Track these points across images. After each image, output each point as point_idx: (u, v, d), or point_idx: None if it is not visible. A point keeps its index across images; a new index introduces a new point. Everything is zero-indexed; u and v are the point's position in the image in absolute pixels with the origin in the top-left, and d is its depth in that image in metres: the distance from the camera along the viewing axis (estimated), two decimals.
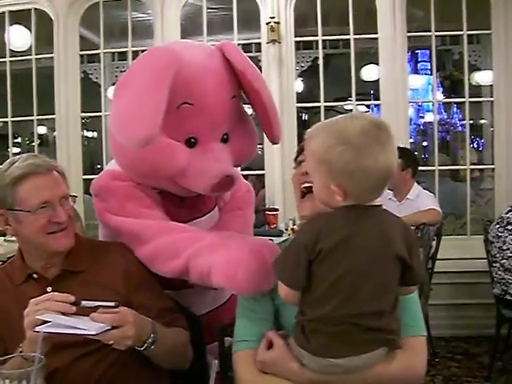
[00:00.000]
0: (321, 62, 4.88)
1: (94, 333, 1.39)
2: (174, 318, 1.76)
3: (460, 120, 8.88)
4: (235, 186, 1.91)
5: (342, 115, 1.38)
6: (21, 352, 1.44)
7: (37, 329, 1.39)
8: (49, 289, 1.67)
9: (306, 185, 1.45)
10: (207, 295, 1.98)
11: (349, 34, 4.80)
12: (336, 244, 1.29)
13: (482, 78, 5.95)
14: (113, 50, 5.77)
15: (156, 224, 1.79)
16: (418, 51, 8.86)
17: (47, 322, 1.40)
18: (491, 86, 4.93)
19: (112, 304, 1.48)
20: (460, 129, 8.84)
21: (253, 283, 1.51)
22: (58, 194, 1.67)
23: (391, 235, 1.32)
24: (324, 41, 4.95)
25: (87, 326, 1.39)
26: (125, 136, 1.65)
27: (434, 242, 4.03)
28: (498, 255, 3.67)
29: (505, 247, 3.60)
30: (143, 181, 1.84)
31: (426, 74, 8.89)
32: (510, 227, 3.59)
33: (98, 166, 6.93)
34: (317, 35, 4.81)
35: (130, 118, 1.63)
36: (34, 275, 1.71)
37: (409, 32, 4.74)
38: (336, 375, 1.35)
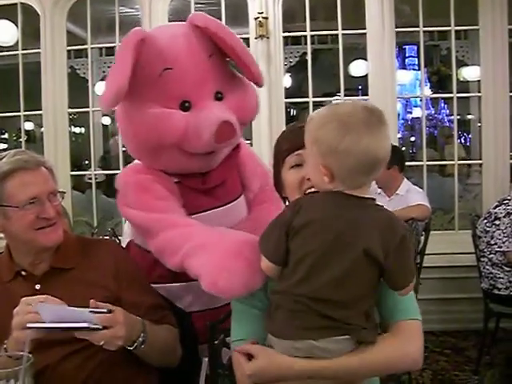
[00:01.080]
0: (309, 57, 4.87)
1: (87, 325, 1.38)
2: (163, 316, 1.75)
3: (447, 115, 8.93)
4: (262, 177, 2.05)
5: None
6: (5, 350, 1.44)
7: (29, 325, 1.38)
8: (37, 286, 1.67)
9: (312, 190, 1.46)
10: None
11: (337, 30, 4.80)
12: (306, 223, 1.32)
13: (470, 73, 5.98)
14: (100, 46, 5.75)
15: (162, 218, 1.81)
16: (406, 46, 8.90)
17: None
18: (479, 81, 4.95)
19: (104, 310, 1.46)
20: (447, 124, 8.89)
21: (239, 287, 1.49)
22: (47, 190, 1.66)
23: (364, 229, 1.31)
24: (312, 36, 4.95)
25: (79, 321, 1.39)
26: (100, 102, 1.77)
27: (423, 237, 4.05)
28: (485, 250, 3.71)
29: (492, 242, 3.64)
30: (157, 161, 1.88)
31: (413, 69, 8.95)
32: (497, 222, 3.63)
33: (86, 162, 6.88)
34: (305, 30, 4.81)
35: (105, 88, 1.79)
36: (23, 272, 1.70)
37: (396, 27, 4.73)
38: (323, 360, 1.33)
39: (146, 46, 1.79)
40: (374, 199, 1.38)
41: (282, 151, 1.55)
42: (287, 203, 1.57)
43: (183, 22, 1.96)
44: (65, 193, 1.75)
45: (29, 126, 8.02)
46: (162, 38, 1.86)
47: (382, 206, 1.40)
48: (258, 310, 1.49)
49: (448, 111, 8.89)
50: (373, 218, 1.34)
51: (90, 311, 1.43)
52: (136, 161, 2.01)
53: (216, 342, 1.64)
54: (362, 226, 1.31)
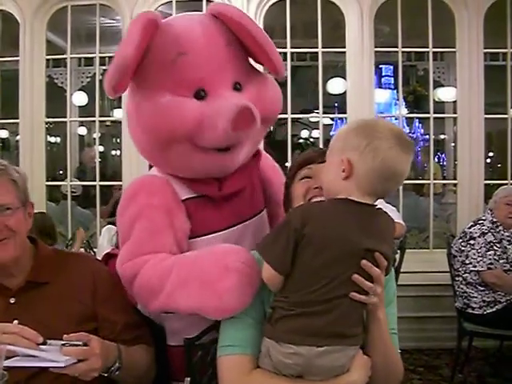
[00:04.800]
0: (289, 73, 4.89)
1: (63, 365, 1.35)
2: (139, 335, 1.71)
3: (422, 135, 9.02)
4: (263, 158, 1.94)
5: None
6: None
7: (5, 363, 1.33)
8: (12, 300, 1.63)
9: (319, 199, 1.50)
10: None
11: (316, 47, 4.85)
12: (321, 233, 1.31)
13: (445, 94, 6.06)
14: (80, 56, 5.71)
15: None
16: (382, 66, 8.98)
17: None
18: (454, 102, 5.02)
19: (80, 343, 1.41)
20: (422, 143, 8.98)
21: (246, 297, 1.47)
22: None
23: (379, 236, 1.37)
24: (291, 53, 4.98)
25: (54, 358, 1.36)
26: (105, 82, 1.63)
27: (398, 255, 4.07)
28: (460, 269, 3.74)
29: (467, 261, 3.67)
30: (168, 160, 1.73)
31: (389, 88, 9.01)
32: (472, 242, 3.67)
33: (60, 172, 6.82)
34: (285, 47, 4.84)
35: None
36: None
37: (375, 47, 4.79)
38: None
39: (159, 30, 1.66)
40: (378, 207, 1.42)
41: (295, 165, 1.66)
42: None
43: (201, 13, 1.87)
44: (11, 209, 1.60)
45: (3, 133, 7.93)
46: (176, 23, 1.75)
47: (387, 213, 1.44)
48: (251, 318, 1.48)
49: (422, 131, 8.98)
50: (383, 225, 1.40)
51: (64, 344, 1.39)
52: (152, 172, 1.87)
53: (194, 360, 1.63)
54: (377, 234, 1.36)
